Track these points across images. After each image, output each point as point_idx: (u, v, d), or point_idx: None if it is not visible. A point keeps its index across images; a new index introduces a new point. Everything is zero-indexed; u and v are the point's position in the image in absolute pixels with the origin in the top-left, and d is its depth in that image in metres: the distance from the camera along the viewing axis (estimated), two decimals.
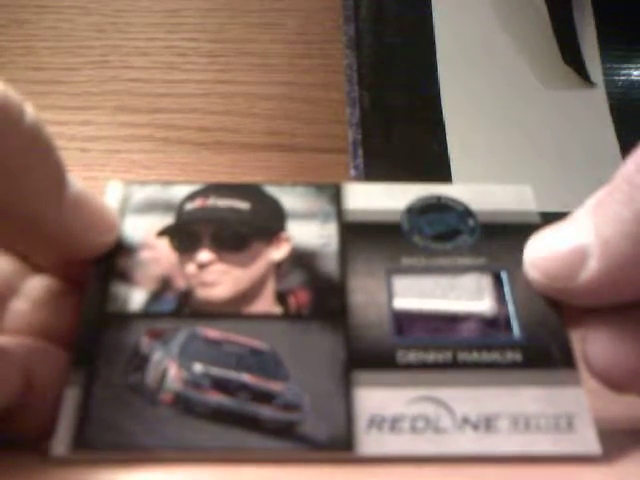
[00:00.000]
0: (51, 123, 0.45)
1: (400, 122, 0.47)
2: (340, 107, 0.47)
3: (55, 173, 0.16)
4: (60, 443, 0.15)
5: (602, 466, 0.15)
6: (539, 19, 0.50)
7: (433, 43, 0.50)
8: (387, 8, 0.51)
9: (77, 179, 0.17)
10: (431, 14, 0.51)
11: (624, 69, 0.49)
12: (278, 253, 0.19)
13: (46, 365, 0.17)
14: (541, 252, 0.18)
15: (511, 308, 0.18)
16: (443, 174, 0.45)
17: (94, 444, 0.15)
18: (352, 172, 0.44)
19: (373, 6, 0.51)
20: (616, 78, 0.49)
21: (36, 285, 0.18)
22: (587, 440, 0.16)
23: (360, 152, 0.45)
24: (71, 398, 0.16)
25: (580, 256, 0.16)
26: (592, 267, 0.16)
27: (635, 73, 0.49)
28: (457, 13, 0.51)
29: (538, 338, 0.17)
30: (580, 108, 0.48)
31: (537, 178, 0.45)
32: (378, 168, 0.45)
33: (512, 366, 0.17)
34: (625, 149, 0.46)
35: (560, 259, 0.17)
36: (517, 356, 0.17)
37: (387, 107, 0.47)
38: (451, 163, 0.45)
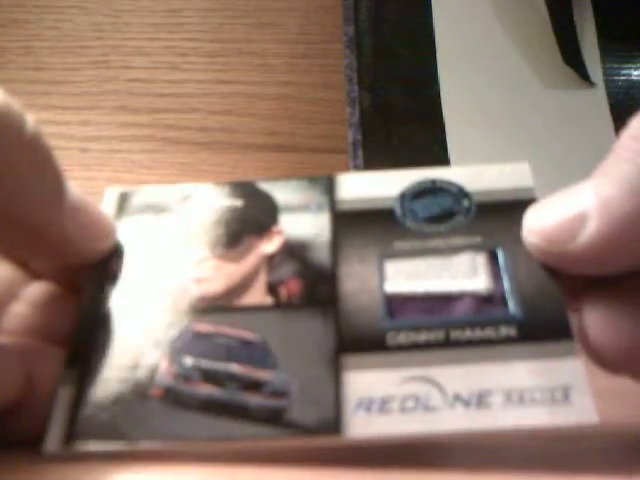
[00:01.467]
0: (51, 123, 0.45)
1: (400, 122, 0.47)
2: (340, 107, 0.47)
3: (54, 182, 0.16)
4: (53, 440, 0.16)
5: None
6: (539, 19, 0.50)
7: (433, 43, 0.50)
8: (387, 8, 0.51)
9: (75, 187, 0.18)
10: (431, 14, 0.51)
11: (624, 69, 0.49)
12: (270, 246, 0.19)
13: (46, 365, 0.17)
14: (540, 217, 0.18)
15: (507, 284, 0.18)
16: None
17: (86, 439, 0.16)
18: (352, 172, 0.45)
19: (373, 6, 0.51)
20: (616, 78, 0.49)
21: (35, 290, 0.19)
22: (584, 410, 0.15)
23: (360, 152, 0.45)
24: (64, 397, 0.16)
25: (580, 218, 0.16)
26: (592, 227, 0.16)
27: (635, 73, 0.49)
28: (457, 13, 0.51)
29: (534, 312, 0.17)
30: (580, 108, 0.48)
31: (537, 178, 0.45)
32: (378, 168, 0.45)
33: (506, 341, 0.17)
34: None
35: (559, 222, 0.17)
36: (512, 331, 0.17)
37: (387, 107, 0.47)
38: (451, 163, 0.45)
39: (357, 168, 0.45)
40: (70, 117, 0.46)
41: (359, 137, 0.46)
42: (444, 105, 0.47)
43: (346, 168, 0.45)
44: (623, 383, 0.17)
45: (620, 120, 0.47)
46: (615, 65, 0.49)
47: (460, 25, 0.51)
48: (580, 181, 0.17)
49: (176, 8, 0.51)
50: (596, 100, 0.48)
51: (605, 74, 0.49)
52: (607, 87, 0.49)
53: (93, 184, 0.43)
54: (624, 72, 0.49)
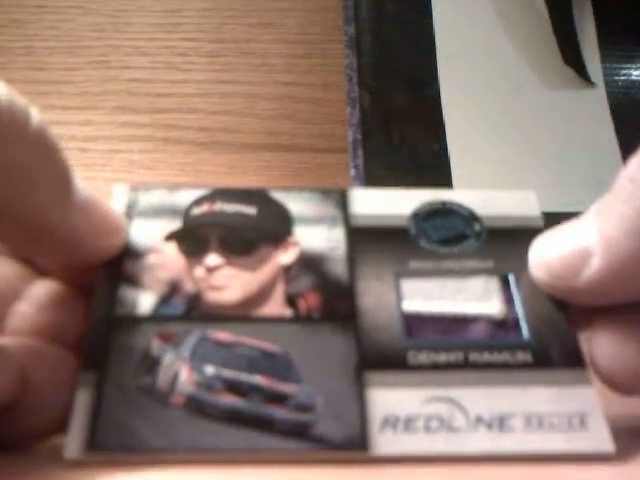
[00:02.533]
0: (51, 123, 0.45)
1: (400, 122, 0.47)
2: (340, 107, 0.47)
3: (61, 177, 0.16)
4: (73, 445, 0.15)
5: (608, 466, 0.15)
6: (539, 19, 0.50)
7: (433, 43, 0.50)
8: (387, 8, 0.51)
9: (84, 182, 0.17)
10: (431, 14, 0.51)
11: (624, 69, 0.49)
12: (286, 257, 0.19)
13: (43, 364, 0.17)
14: (546, 252, 0.18)
15: (519, 310, 0.18)
16: (443, 174, 0.45)
17: (107, 446, 0.15)
18: (352, 172, 0.44)
19: (373, 6, 0.51)
20: (616, 78, 0.49)
21: (40, 289, 0.18)
22: (600, 438, 0.16)
23: (360, 152, 0.45)
24: (83, 400, 0.16)
25: (584, 255, 0.17)
26: (595, 265, 0.16)
27: (635, 73, 0.49)
28: (457, 13, 0.51)
29: (547, 339, 0.18)
30: (580, 108, 0.48)
31: (537, 178, 0.45)
32: (378, 168, 0.45)
33: (523, 366, 0.17)
34: (625, 149, 0.46)
35: (564, 258, 0.17)
36: (527, 356, 0.17)
37: (387, 107, 0.47)
38: (451, 163, 0.45)
39: (357, 168, 0.45)
40: (70, 117, 0.46)
41: (359, 137, 0.46)
42: (444, 105, 0.47)
43: (346, 168, 0.45)
44: None
45: (620, 120, 0.47)
46: (615, 65, 0.49)
47: (460, 25, 0.51)
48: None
49: (176, 8, 0.51)
50: (596, 100, 0.48)
51: (605, 74, 0.49)
52: (607, 87, 0.49)
53: (93, 184, 0.43)
54: (624, 72, 0.49)
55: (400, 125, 0.47)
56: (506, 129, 0.47)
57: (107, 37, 0.49)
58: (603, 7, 0.51)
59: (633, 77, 0.49)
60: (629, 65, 0.50)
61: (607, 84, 0.49)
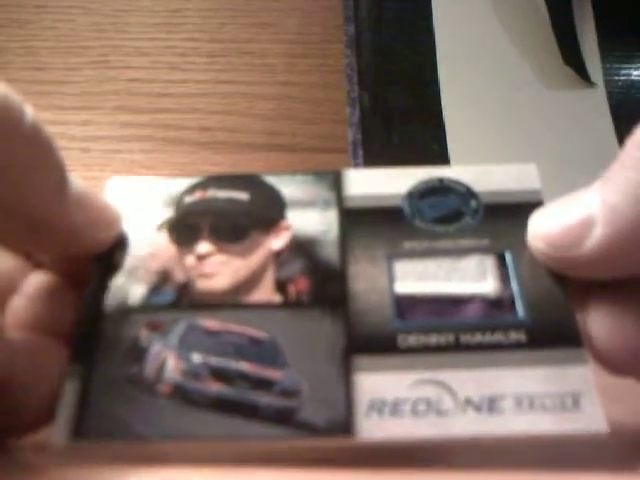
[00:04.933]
0: (51, 123, 0.45)
1: (400, 122, 0.47)
2: (340, 107, 0.47)
3: (56, 172, 0.16)
4: (59, 432, 0.15)
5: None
6: (539, 19, 0.50)
7: (433, 43, 0.50)
8: (387, 8, 0.51)
9: (77, 177, 0.17)
10: (431, 14, 0.51)
11: (624, 69, 0.49)
12: (278, 242, 0.19)
13: (32, 356, 0.17)
14: (545, 222, 0.17)
15: (515, 288, 0.18)
16: None
17: (92, 434, 0.15)
18: None
19: (373, 6, 0.51)
20: (616, 78, 0.49)
21: (35, 281, 0.18)
22: (593, 418, 0.15)
23: (360, 152, 0.45)
24: (70, 391, 0.16)
25: (586, 223, 0.16)
26: (597, 234, 0.16)
27: (635, 73, 0.49)
28: (457, 13, 0.51)
29: (543, 317, 0.17)
30: (580, 108, 0.48)
31: None
32: (378, 168, 0.45)
33: (516, 346, 0.17)
34: None
35: (565, 227, 0.17)
36: (521, 336, 0.17)
37: (387, 107, 0.47)
38: (451, 163, 0.45)
39: (357, 168, 0.45)
40: (70, 117, 0.46)
41: (359, 137, 0.46)
42: (444, 105, 0.47)
43: (346, 168, 0.45)
44: (620, 383, 0.17)
45: (620, 120, 0.47)
46: (615, 65, 0.49)
47: (460, 25, 0.51)
48: (580, 181, 0.17)
49: (176, 8, 0.51)
50: (596, 100, 0.48)
51: (605, 74, 0.49)
52: (607, 87, 0.49)
53: (94, 184, 0.43)
54: (624, 72, 0.49)
55: (400, 125, 0.47)
56: (506, 129, 0.47)
57: (107, 37, 0.49)
58: (603, 7, 0.51)
59: (633, 77, 0.49)
60: (629, 65, 0.50)
61: (607, 84, 0.49)
